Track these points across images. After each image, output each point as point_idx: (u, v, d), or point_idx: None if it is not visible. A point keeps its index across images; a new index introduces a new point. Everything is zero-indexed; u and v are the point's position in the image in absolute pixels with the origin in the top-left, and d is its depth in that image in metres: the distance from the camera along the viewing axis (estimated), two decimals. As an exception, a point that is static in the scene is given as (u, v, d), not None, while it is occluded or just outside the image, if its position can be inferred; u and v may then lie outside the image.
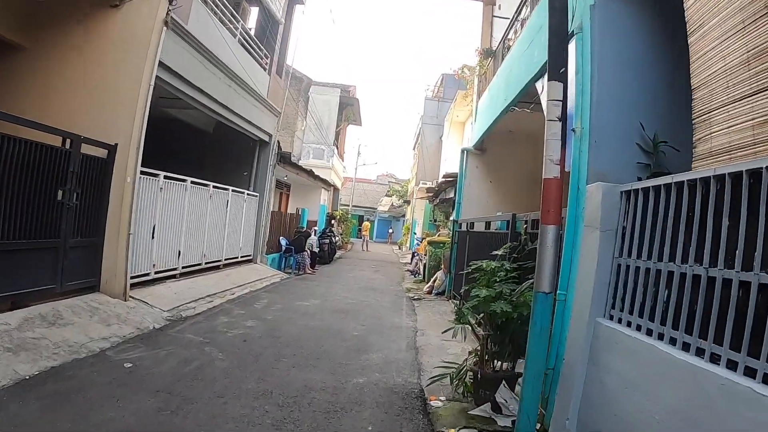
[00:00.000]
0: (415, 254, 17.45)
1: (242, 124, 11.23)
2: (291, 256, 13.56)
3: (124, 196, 6.74)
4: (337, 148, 23.47)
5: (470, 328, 4.39)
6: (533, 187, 11.12)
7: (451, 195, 13.87)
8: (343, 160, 27.09)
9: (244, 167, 12.64)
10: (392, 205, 45.56)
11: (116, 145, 6.77)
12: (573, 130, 4.26)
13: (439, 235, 14.33)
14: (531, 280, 4.17)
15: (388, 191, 47.05)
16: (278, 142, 12.91)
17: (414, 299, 10.38)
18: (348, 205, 40.42)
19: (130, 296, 6.92)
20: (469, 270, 4.75)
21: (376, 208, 47.33)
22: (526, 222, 5.52)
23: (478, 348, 4.38)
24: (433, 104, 32.55)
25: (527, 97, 7.35)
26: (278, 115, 12.98)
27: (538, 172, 10.13)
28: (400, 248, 34.49)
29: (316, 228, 18.45)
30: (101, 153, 6.72)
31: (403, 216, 43.89)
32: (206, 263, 9.88)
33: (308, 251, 13.79)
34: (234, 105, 10.41)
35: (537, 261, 3.39)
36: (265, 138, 12.54)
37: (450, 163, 24.57)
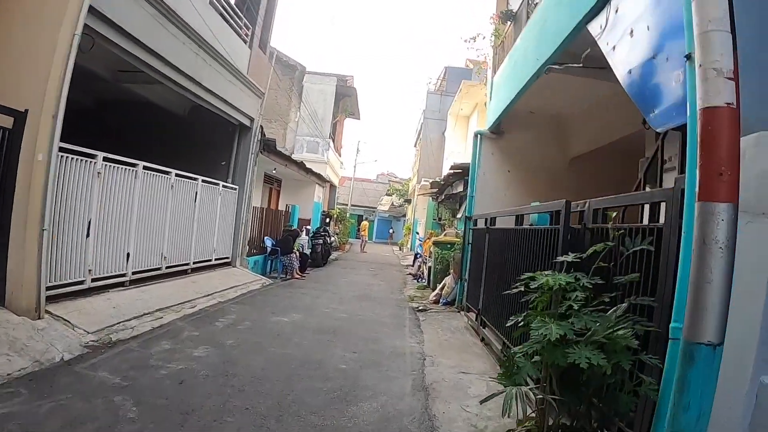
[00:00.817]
0: (418, 256, 15.75)
1: (217, 104, 9.55)
2: (277, 258, 11.86)
3: (34, 179, 5.04)
4: (333, 142, 21.79)
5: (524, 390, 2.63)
6: (559, 176, 9.39)
7: (460, 189, 12.18)
8: (340, 156, 25.41)
9: (221, 156, 10.94)
10: (392, 204, 43.84)
11: (26, 111, 5.09)
12: (687, 56, 2.51)
13: (445, 235, 12.63)
14: (622, 305, 2.46)
15: (388, 190, 45.32)
16: (261, 127, 11.22)
17: (418, 310, 8.69)
18: (346, 204, 38.75)
19: (47, 312, 5.22)
20: (517, 285, 3.04)
21: (375, 208, 45.65)
22: (582, 212, 3.79)
23: (532, 414, 2.68)
24: (436, 98, 31.01)
25: (567, 57, 5.67)
26: (261, 97, 11.29)
27: (563, 159, 8.34)
28: (400, 249, 32.79)
29: (309, 227, 16.76)
30: (5, 122, 5.05)
31: (404, 216, 42.20)
32: (168, 268, 8.18)
33: (297, 253, 12.08)
34: (206, 80, 8.72)
35: (677, 276, 1.69)
36: (246, 122, 10.85)
37: (455, 158, 22.88)
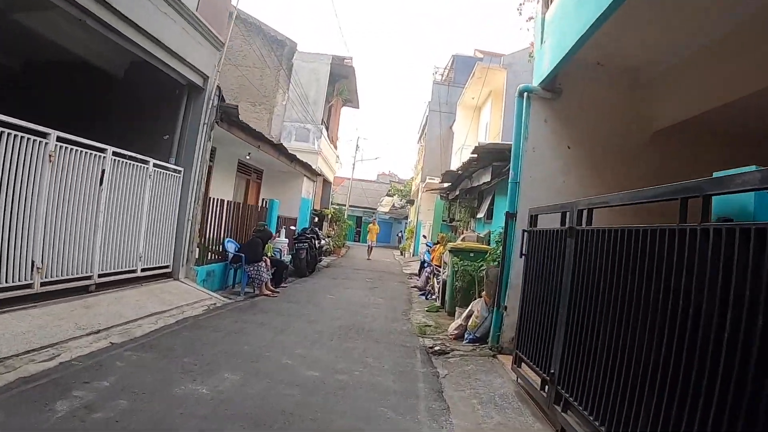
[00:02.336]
0: (426, 265, 12.75)
1: (151, 48, 6.63)
2: (241, 267, 8.87)
3: None
4: (327, 131, 18.84)
5: None
6: (635, 157, 6.33)
7: (485, 180, 9.20)
8: (336, 149, 22.45)
9: (164, 127, 7.98)
10: (393, 205, 40.86)
11: None
12: None
13: (463, 239, 9.64)
14: None
15: (389, 190, 42.30)
16: (219, 89, 8.24)
17: (434, 353, 5.71)
18: (344, 205, 35.80)
19: None
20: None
21: (375, 209, 42.68)
22: None
23: None
24: (443, 89, 28.17)
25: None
26: (220, 48, 8.33)
27: (641, 132, 5.53)
28: (402, 254, 29.78)
29: (293, 227, 13.77)
30: None
31: (406, 218, 39.22)
32: (45, 284, 5.19)
33: (268, 261, 9.08)
34: (128, 9, 5.79)
35: None
36: (197, 81, 7.91)
37: (466, 153, 19.96)
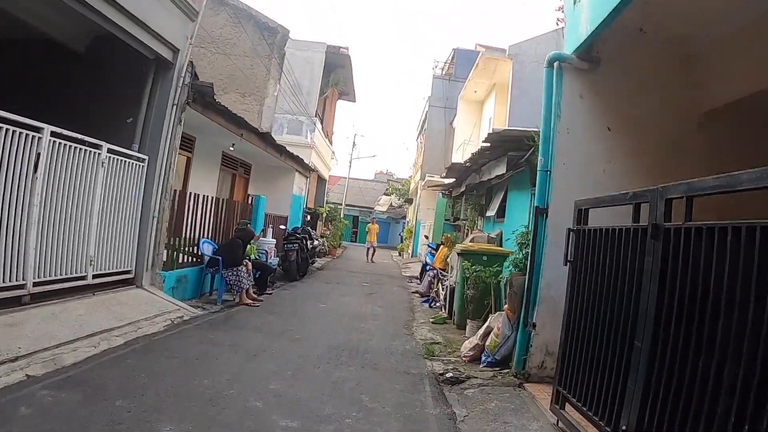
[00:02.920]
0: (428, 268, 11.62)
1: (111, 14, 5.53)
2: (219, 272, 7.71)
3: None
4: (322, 124, 17.69)
5: None
6: (683, 142, 5.32)
7: (498, 172, 8.06)
8: (331, 144, 21.30)
9: (128, 110, 6.83)
10: (391, 204, 39.70)
11: None
12: None
13: (473, 240, 8.51)
14: None
15: (386, 189, 41.15)
16: (192, 65, 7.08)
17: (446, 380, 4.59)
18: (340, 204, 34.65)
19: None
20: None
21: (372, 208, 41.52)
22: None
23: None
24: (443, 84, 27.06)
25: None
26: (194, 18, 7.17)
27: (688, 112, 4.26)
28: (400, 255, 28.66)
29: (283, 227, 12.63)
30: None
31: (404, 217, 38.07)
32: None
33: (249, 264, 7.93)
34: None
35: None
36: (166, 55, 6.75)
37: (467, 149, 18.85)
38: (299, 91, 16.36)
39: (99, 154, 5.78)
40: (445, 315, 7.84)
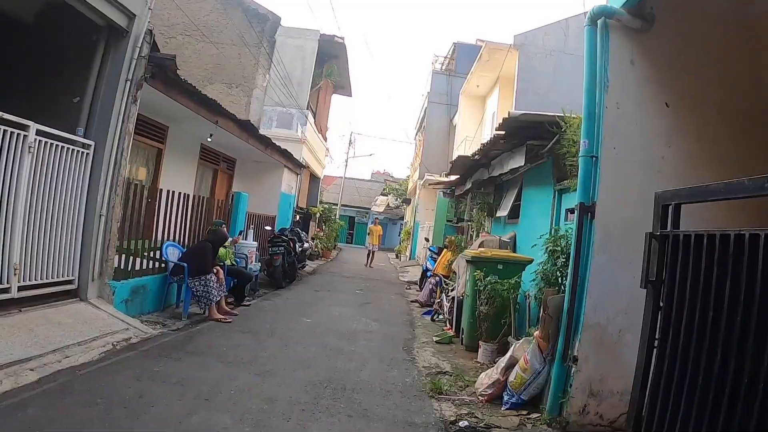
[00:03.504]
0: (429, 275, 10.49)
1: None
2: (184, 282, 6.53)
3: None
4: (315, 118, 16.53)
5: None
6: (750, 124, 4.15)
7: (514, 165, 6.90)
8: (325, 141, 20.14)
9: (76, 87, 5.66)
10: (388, 205, 38.55)
11: None
12: None
13: (482, 244, 7.36)
14: None
15: (383, 189, 40.00)
16: (150, 34, 5.89)
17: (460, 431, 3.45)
18: (335, 204, 33.49)
19: None
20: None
21: (369, 209, 40.34)
22: None
23: None
24: (443, 79, 25.99)
25: None
26: (153, -21, 6.00)
27: (756, 91, 2.44)
28: (397, 257, 27.52)
29: (270, 227, 11.47)
30: None
31: (401, 218, 36.91)
32: None
33: (219, 273, 6.75)
34: None
35: None
36: (119, 21, 5.59)
37: (469, 147, 17.77)
38: (290, 82, 15.20)
39: (24, 136, 4.61)
40: (452, 333, 6.68)
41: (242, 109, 15.07)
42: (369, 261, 18.58)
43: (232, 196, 9.50)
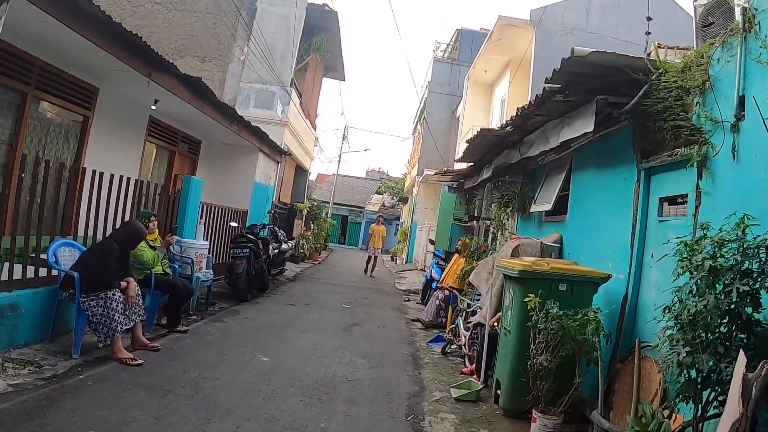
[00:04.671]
0: (434, 287, 8.32)
1: None
2: (76, 301, 4.28)
3: None
4: (300, 99, 14.28)
5: None
6: None
7: (578, 132, 4.65)
8: (315, 128, 17.89)
9: None
10: (383, 204, 36.31)
11: None
12: None
13: (519, 250, 5.15)
14: None
15: (379, 187, 37.73)
16: None
17: None
18: (327, 202, 31.27)
19: None
20: None
21: (363, 208, 38.13)
22: None
23: None
24: (445, 68, 23.89)
25: None
26: None
27: None
28: (393, 260, 25.28)
29: (235, 223, 9.25)
30: None
31: (398, 218, 34.69)
32: None
33: (132, 287, 4.49)
34: None
35: None
36: None
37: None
38: (272, 56, 12.95)
39: None
40: (479, 383, 4.45)
41: (216, 86, 12.83)
42: (370, 269, 15.38)
43: (179, 180, 7.24)
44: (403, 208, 30.85)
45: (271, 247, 8.91)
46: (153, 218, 5.49)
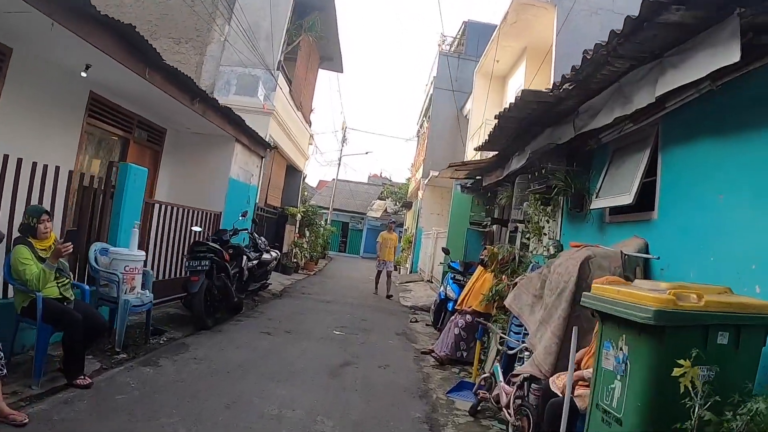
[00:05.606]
0: (450, 307, 6.51)
1: None
2: None
3: None
4: (290, 87, 12.52)
5: None
6: None
7: (693, 77, 2.86)
8: (309, 124, 16.13)
9: None
10: (386, 210, 34.42)
11: None
12: None
13: (591, 265, 3.32)
14: None
15: (381, 193, 35.87)
16: None
17: None
18: (327, 208, 29.52)
19: None
20: None
21: (364, 214, 36.34)
22: None
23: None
24: (451, 62, 22.06)
25: None
26: None
27: None
28: (396, 269, 23.40)
29: (196, 228, 7.50)
30: None
31: (401, 225, 32.83)
32: None
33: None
34: None
35: None
36: None
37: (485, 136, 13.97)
38: (255, 36, 11.22)
39: None
40: None
41: (192, 70, 11.12)
42: (386, 286, 12.14)
43: (115, 169, 5.44)
44: (406, 214, 29.06)
45: (244, 258, 7.10)
46: (45, 217, 3.70)
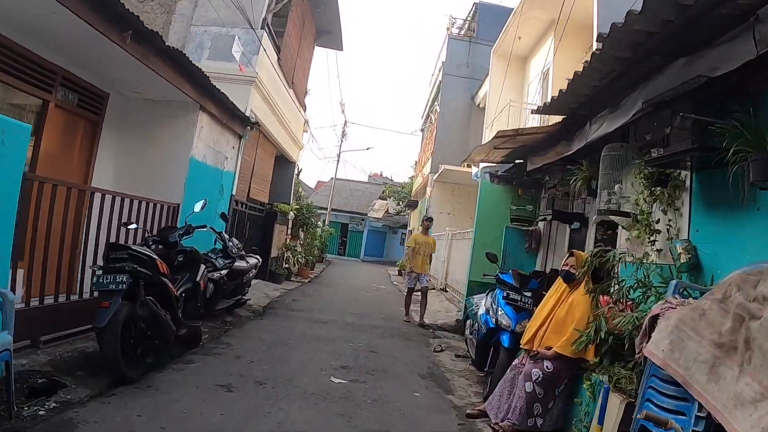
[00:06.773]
0: (506, 343, 4.28)
1: None
2: None
3: None
4: (279, 56, 10.30)
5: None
6: None
7: None
8: (303, 108, 13.90)
9: None
10: (387, 211, 32.17)
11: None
12: None
13: None
14: None
15: (383, 192, 33.63)
16: None
17: None
18: (325, 208, 27.34)
19: None
20: None
21: (365, 215, 34.14)
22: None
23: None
24: (461, 46, 20.21)
25: None
26: None
27: None
28: (400, 274, 21.12)
29: (131, 225, 5.23)
30: None
31: (404, 226, 30.57)
32: None
33: None
34: None
35: None
36: None
37: (503, 124, 11.93)
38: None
39: None
40: None
41: (159, 29, 8.93)
42: (421, 310, 9.07)
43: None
44: (410, 214, 26.84)
45: (201, 268, 4.89)
46: None
